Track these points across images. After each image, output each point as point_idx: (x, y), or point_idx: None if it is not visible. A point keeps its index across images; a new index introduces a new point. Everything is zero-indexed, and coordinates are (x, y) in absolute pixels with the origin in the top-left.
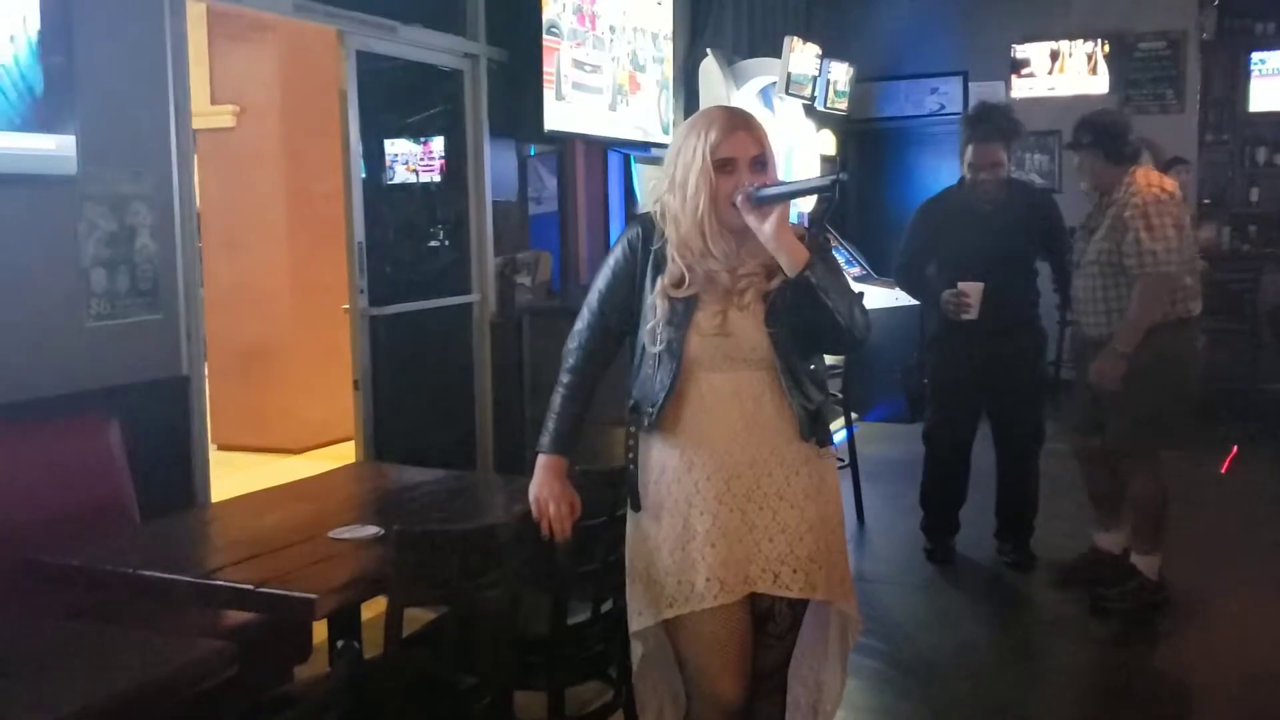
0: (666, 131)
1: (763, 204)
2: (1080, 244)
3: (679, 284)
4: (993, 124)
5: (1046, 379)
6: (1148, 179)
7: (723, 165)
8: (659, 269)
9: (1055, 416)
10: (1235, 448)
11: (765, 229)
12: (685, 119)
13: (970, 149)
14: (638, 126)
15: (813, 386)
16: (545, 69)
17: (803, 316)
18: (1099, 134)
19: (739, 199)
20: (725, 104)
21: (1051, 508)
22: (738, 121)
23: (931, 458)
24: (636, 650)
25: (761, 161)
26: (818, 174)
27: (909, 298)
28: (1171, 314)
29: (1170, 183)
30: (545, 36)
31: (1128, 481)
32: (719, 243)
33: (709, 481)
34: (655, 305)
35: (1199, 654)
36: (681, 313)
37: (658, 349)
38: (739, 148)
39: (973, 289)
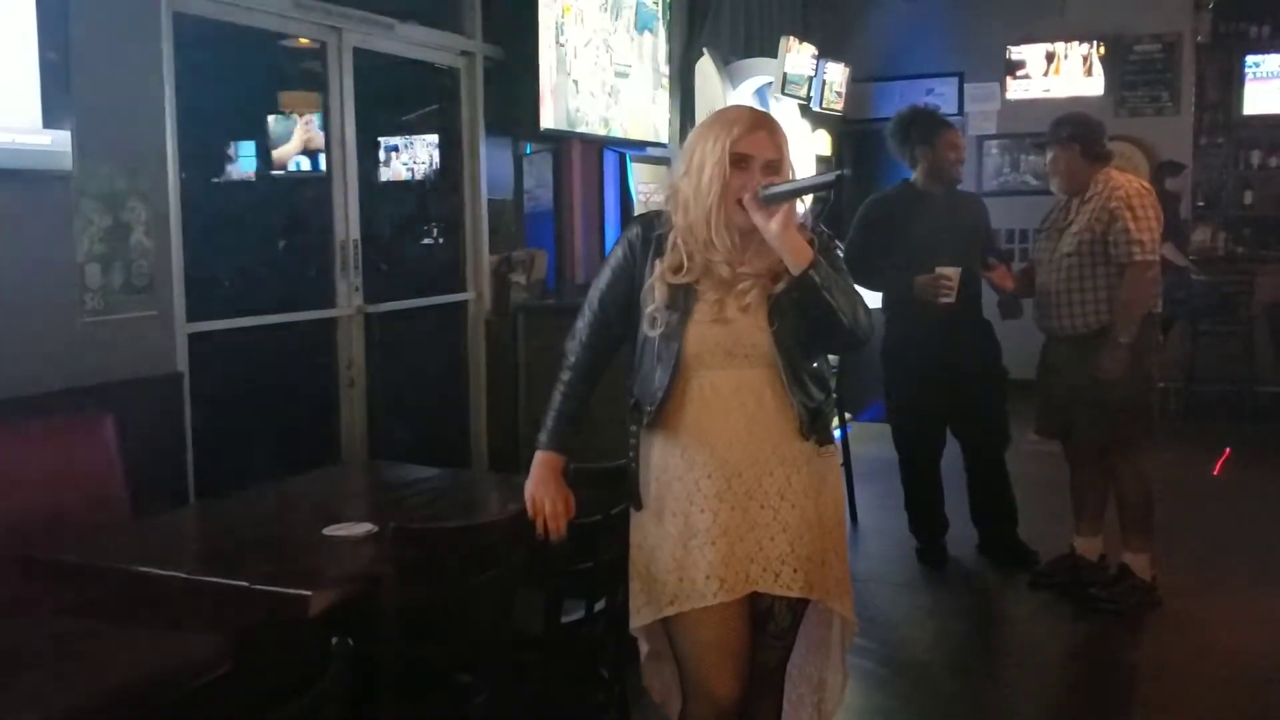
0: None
1: (769, 203)
2: (1045, 242)
3: (678, 270)
4: (942, 117)
5: (1006, 377)
6: (1125, 176)
7: (739, 160)
8: (659, 254)
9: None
10: (1228, 449)
11: (771, 227)
12: (681, 119)
13: (945, 136)
14: (636, 126)
15: (814, 385)
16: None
17: (806, 315)
18: (1077, 128)
19: (745, 198)
20: (730, 105)
21: (1049, 507)
22: (761, 122)
23: (909, 470)
24: (643, 647)
25: (775, 166)
26: (814, 174)
27: None
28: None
29: (1144, 181)
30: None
31: (1113, 484)
32: (723, 236)
33: (710, 480)
34: (654, 289)
35: (1190, 655)
36: (682, 300)
37: (656, 333)
38: (757, 147)
39: (953, 273)
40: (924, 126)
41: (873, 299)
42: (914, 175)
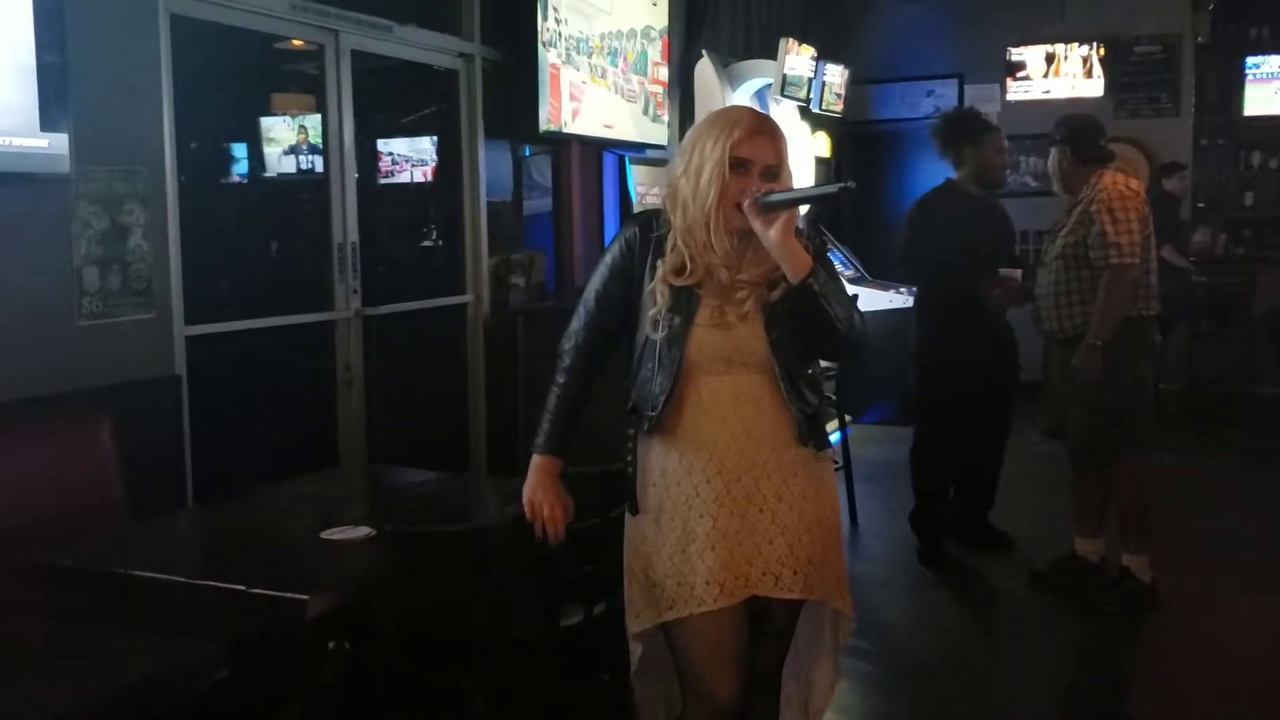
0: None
1: (769, 210)
2: (1045, 245)
3: (680, 272)
4: (988, 120)
5: (1018, 376)
6: (1114, 178)
7: (738, 164)
8: (660, 256)
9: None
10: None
11: (770, 235)
12: (680, 121)
13: (992, 139)
14: (634, 128)
15: (810, 390)
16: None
17: (803, 322)
18: (1070, 131)
19: (745, 204)
20: (731, 105)
21: (1051, 508)
22: (763, 126)
23: (929, 461)
24: (635, 651)
25: (774, 171)
26: (813, 177)
27: (903, 300)
28: (1131, 311)
29: (1135, 182)
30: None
31: (1110, 486)
32: (721, 239)
33: (708, 485)
34: (656, 292)
35: (1190, 656)
36: (685, 303)
37: (659, 336)
38: (757, 151)
39: (1017, 274)
40: (972, 127)
41: (873, 302)
42: (957, 175)
